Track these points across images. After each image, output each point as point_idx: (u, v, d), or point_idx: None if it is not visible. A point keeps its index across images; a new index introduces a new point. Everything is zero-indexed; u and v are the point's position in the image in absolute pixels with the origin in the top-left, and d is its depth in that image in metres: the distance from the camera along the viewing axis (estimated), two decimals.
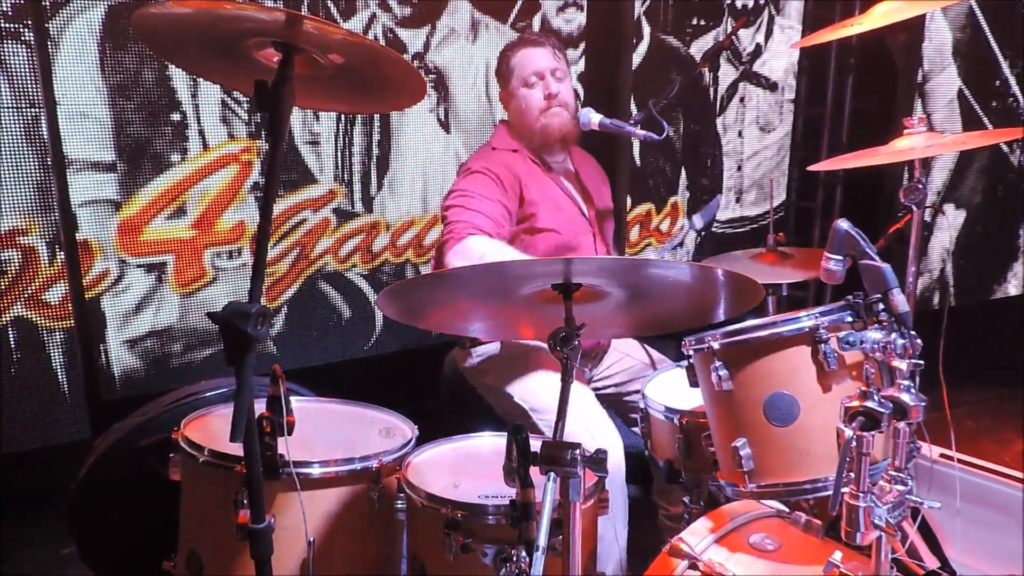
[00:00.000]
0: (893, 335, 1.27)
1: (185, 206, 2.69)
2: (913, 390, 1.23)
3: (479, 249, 1.85)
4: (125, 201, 2.58)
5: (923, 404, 1.22)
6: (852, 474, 1.18)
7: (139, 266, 2.64)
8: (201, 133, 2.68)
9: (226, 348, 1.11)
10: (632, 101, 3.36)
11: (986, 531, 2.13)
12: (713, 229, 3.83)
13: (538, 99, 2.08)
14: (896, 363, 1.26)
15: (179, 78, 2.62)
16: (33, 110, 2.37)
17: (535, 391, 2.01)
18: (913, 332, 1.28)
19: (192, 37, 1.21)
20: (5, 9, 2.30)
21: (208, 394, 1.90)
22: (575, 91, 2.28)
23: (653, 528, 2.16)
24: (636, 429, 2.03)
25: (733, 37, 3.61)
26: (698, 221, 2.27)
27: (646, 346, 2.27)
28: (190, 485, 1.62)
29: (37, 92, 2.36)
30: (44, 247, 2.47)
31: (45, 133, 2.39)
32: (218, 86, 2.64)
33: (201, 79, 2.60)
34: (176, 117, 2.63)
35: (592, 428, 1.90)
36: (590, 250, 2.16)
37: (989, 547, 2.13)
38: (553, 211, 2.09)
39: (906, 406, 1.21)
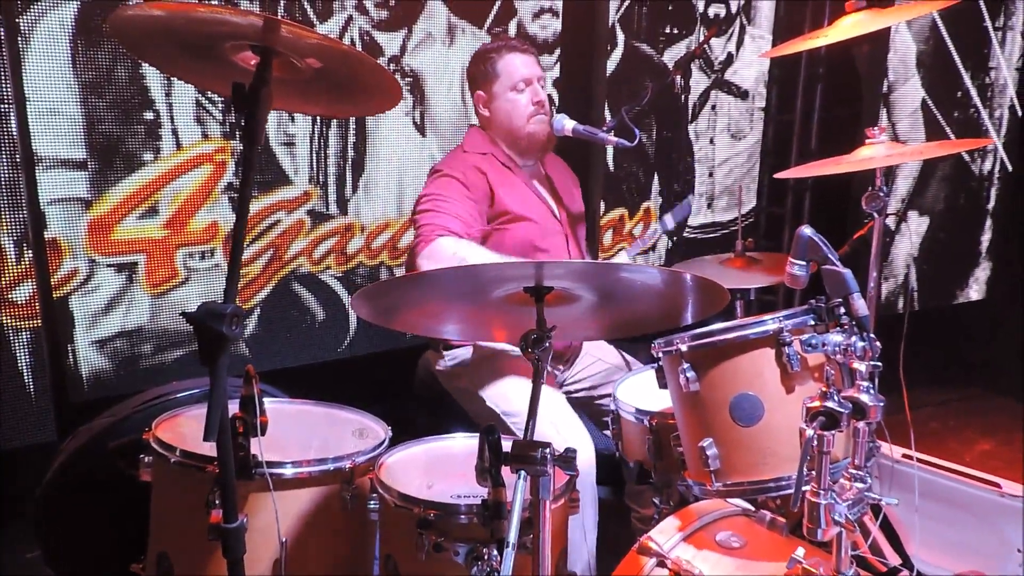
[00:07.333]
0: (853, 338, 1.32)
1: (157, 206, 2.66)
2: (872, 391, 1.27)
3: (449, 249, 1.88)
4: (96, 200, 2.55)
5: (881, 404, 1.26)
6: (813, 472, 1.22)
7: (109, 266, 2.61)
8: (175, 132, 2.66)
9: (200, 348, 1.12)
10: (606, 107, 3.40)
11: (944, 527, 2.19)
12: (685, 234, 3.88)
13: (526, 105, 2.13)
14: (856, 365, 1.30)
15: (153, 76, 2.59)
16: (2, 106, 2.33)
17: (507, 395, 2.03)
18: (872, 335, 1.33)
19: (169, 39, 1.21)
20: None
21: (179, 395, 1.89)
22: (549, 96, 2.31)
23: (625, 531, 2.18)
24: (607, 432, 2.06)
25: (705, 46, 3.66)
26: (669, 221, 2.31)
27: (620, 350, 2.30)
28: (161, 486, 1.61)
29: (6, 87, 2.32)
30: (11, 246, 2.43)
31: (14, 130, 2.35)
32: (192, 85, 2.62)
33: (175, 78, 2.58)
34: (149, 116, 2.61)
35: (562, 429, 1.92)
36: (562, 252, 2.19)
37: (948, 543, 2.20)
38: (524, 213, 2.12)
39: (865, 406, 1.25)
